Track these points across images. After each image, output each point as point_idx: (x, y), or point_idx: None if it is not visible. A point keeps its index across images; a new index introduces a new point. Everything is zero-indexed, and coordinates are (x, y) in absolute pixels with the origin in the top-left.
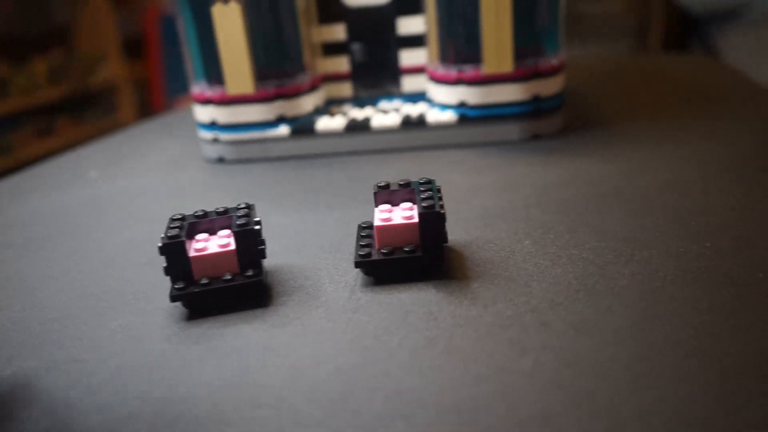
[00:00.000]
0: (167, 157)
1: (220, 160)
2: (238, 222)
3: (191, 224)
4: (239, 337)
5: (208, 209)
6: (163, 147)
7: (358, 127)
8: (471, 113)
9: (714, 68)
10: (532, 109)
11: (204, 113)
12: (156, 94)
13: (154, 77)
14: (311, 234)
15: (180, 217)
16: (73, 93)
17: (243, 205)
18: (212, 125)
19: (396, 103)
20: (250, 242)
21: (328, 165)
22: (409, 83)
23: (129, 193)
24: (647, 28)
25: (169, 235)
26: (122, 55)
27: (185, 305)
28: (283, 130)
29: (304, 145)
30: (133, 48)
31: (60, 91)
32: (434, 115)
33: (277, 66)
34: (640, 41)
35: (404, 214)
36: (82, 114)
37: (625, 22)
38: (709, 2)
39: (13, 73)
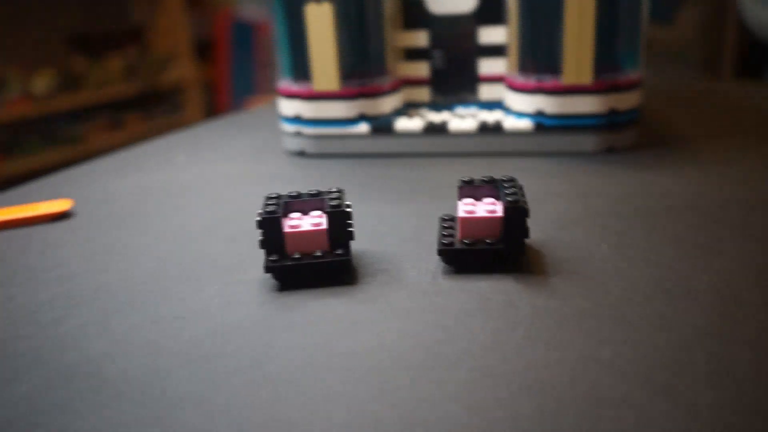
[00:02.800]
0: (250, 148)
1: (301, 153)
2: (331, 203)
3: (286, 203)
4: (328, 308)
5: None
6: (245, 139)
7: (436, 129)
8: (547, 122)
9: None
10: (608, 122)
11: (289, 107)
12: (222, 95)
13: (221, 79)
14: (391, 224)
15: (276, 195)
16: (144, 90)
17: (335, 189)
18: (296, 119)
19: (472, 109)
20: (341, 223)
21: (404, 164)
22: (486, 91)
23: (215, 177)
24: (719, 55)
25: (267, 210)
26: (193, 57)
27: (276, 277)
28: (363, 127)
29: (382, 143)
30: (204, 50)
31: (132, 88)
32: (511, 122)
33: (362, 66)
34: (712, 68)
35: (487, 208)
36: (150, 111)
37: (697, 49)
38: None
39: (89, 68)
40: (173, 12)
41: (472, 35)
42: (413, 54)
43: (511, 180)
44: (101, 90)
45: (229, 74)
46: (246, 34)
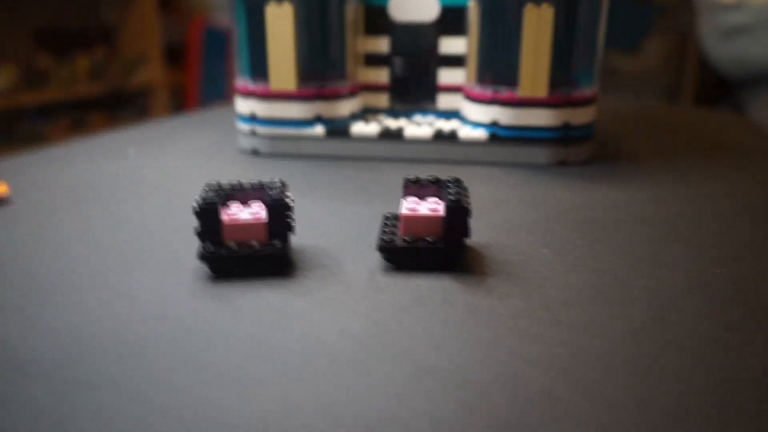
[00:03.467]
0: (203, 145)
1: (255, 153)
2: (272, 194)
3: (226, 193)
4: (260, 300)
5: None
6: (199, 136)
7: (392, 135)
8: (502, 133)
9: (741, 125)
10: (561, 136)
11: (244, 106)
12: (191, 101)
13: (190, 85)
14: (337, 222)
15: (216, 184)
16: (111, 91)
17: (278, 181)
18: (251, 118)
19: (430, 118)
20: (281, 215)
21: (358, 168)
22: (444, 101)
23: (163, 171)
24: (680, 86)
25: (204, 198)
26: (163, 61)
27: (211, 267)
28: (319, 129)
29: (337, 146)
30: (175, 55)
31: (98, 88)
32: (466, 131)
33: (320, 68)
34: (673, 98)
35: (430, 206)
36: (116, 112)
37: (659, 80)
38: (742, 67)
39: (55, 66)
40: (146, 14)
41: (433, 44)
42: (374, 60)
43: (457, 181)
44: (66, 89)
45: (199, 80)
46: (219, 42)
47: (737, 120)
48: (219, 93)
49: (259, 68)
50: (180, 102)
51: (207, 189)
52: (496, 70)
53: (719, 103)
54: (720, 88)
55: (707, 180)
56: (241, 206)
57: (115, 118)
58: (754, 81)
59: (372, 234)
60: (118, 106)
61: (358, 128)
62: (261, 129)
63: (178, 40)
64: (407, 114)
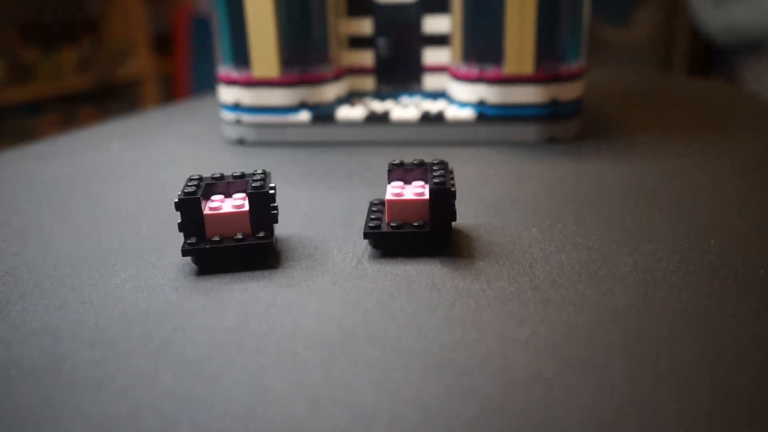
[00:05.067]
0: (188, 136)
1: (241, 142)
2: (253, 185)
3: (208, 185)
4: (245, 292)
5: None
6: (185, 127)
7: (378, 119)
8: (489, 112)
9: (734, 93)
10: (549, 112)
11: (228, 94)
12: (181, 91)
13: (180, 74)
14: (323, 209)
15: (197, 177)
16: (99, 83)
17: (260, 171)
18: (235, 106)
19: (416, 99)
20: (264, 205)
21: (345, 153)
22: (430, 81)
23: (148, 163)
24: (672, 56)
25: (185, 191)
26: (150, 50)
27: (195, 261)
28: (304, 116)
29: (323, 132)
30: (162, 44)
31: (86, 81)
32: (453, 112)
33: (303, 53)
34: (665, 68)
35: (416, 190)
36: (106, 105)
37: (651, 51)
38: (733, 34)
39: (42, 60)
40: (131, 4)
41: (416, 24)
42: (357, 42)
43: (441, 163)
44: (54, 82)
45: (188, 69)
46: (207, 30)
47: (729, 88)
48: (209, 82)
49: (240, 55)
50: (171, 92)
51: (189, 182)
52: (481, 47)
53: (712, 72)
54: (712, 57)
55: (697, 151)
56: (223, 198)
57: (106, 111)
58: (746, 48)
59: (359, 221)
60: (109, 98)
61: (344, 113)
62: (246, 117)
63: (166, 30)
64: (394, 96)
